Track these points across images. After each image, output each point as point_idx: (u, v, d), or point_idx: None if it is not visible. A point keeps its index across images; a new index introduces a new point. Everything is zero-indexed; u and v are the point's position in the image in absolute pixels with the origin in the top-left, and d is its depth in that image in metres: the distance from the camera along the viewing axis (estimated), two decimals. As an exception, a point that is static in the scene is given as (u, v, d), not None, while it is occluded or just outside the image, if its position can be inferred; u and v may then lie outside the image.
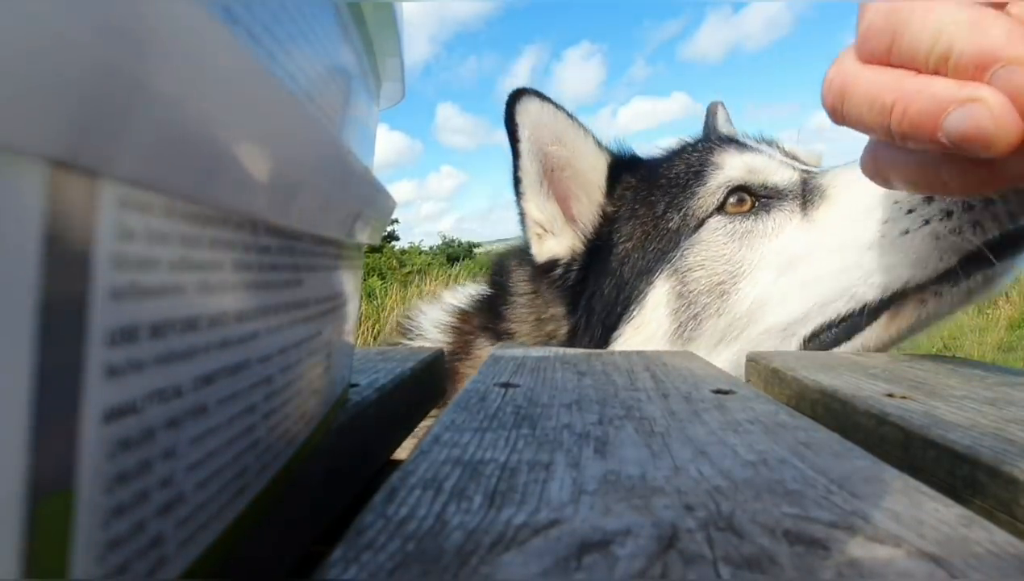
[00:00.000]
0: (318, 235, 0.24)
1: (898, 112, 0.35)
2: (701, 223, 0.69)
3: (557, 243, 0.79)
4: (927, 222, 0.55)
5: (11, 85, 0.08)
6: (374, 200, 0.29)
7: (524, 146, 0.76)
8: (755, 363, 0.54)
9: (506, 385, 0.38)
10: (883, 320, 0.60)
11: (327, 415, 0.29)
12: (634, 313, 0.70)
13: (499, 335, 0.82)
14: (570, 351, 0.56)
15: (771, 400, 0.34)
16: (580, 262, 0.78)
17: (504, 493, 0.20)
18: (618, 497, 0.20)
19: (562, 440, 0.26)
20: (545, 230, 0.79)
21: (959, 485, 0.27)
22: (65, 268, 0.10)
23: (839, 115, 0.40)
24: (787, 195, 0.68)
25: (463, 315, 0.88)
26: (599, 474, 0.22)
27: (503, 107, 0.81)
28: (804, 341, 0.62)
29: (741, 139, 0.80)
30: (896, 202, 0.57)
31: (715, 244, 0.68)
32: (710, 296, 0.66)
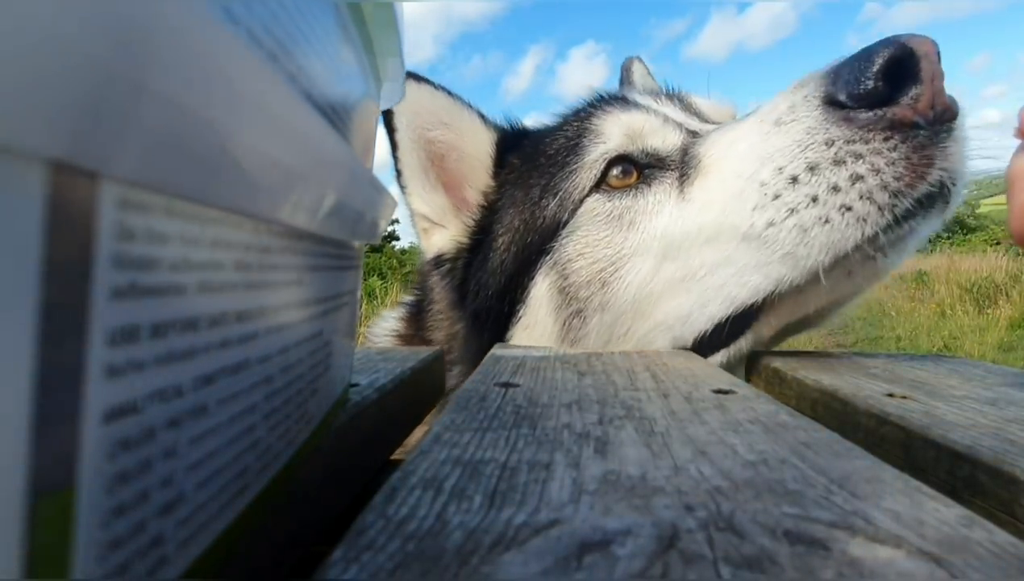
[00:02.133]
0: (318, 235, 0.24)
1: None
2: (578, 205, 0.59)
3: (441, 237, 0.71)
4: (792, 211, 0.46)
5: (11, 85, 0.08)
6: (374, 200, 0.29)
7: (402, 136, 0.69)
8: (756, 362, 0.54)
9: (506, 385, 0.38)
10: (766, 317, 0.52)
11: (327, 415, 0.29)
12: (520, 314, 0.62)
13: (425, 343, 0.76)
14: (570, 351, 0.56)
15: (772, 400, 0.34)
16: (464, 257, 0.70)
17: (504, 493, 0.20)
18: (618, 497, 0.20)
19: (562, 440, 0.26)
20: (433, 223, 0.72)
21: (959, 485, 0.27)
22: (65, 268, 0.10)
23: None
24: (669, 164, 0.58)
25: (408, 321, 0.82)
26: (599, 474, 0.22)
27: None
28: (694, 343, 0.54)
29: (630, 96, 0.69)
30: (762, 184, 0.47)
31: (594, 227, 0.58)
32: (591, 288, 0.56)
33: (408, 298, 0.89)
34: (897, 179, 0.42)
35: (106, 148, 0.10)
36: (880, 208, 0.43)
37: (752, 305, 0.50)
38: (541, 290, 0.61)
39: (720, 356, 0.54)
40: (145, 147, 0.11)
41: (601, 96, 0.71)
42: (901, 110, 0.41)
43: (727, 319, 0.51)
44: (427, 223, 0.72)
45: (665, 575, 0.15)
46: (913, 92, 0.41)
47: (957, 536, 0.17)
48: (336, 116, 0.26)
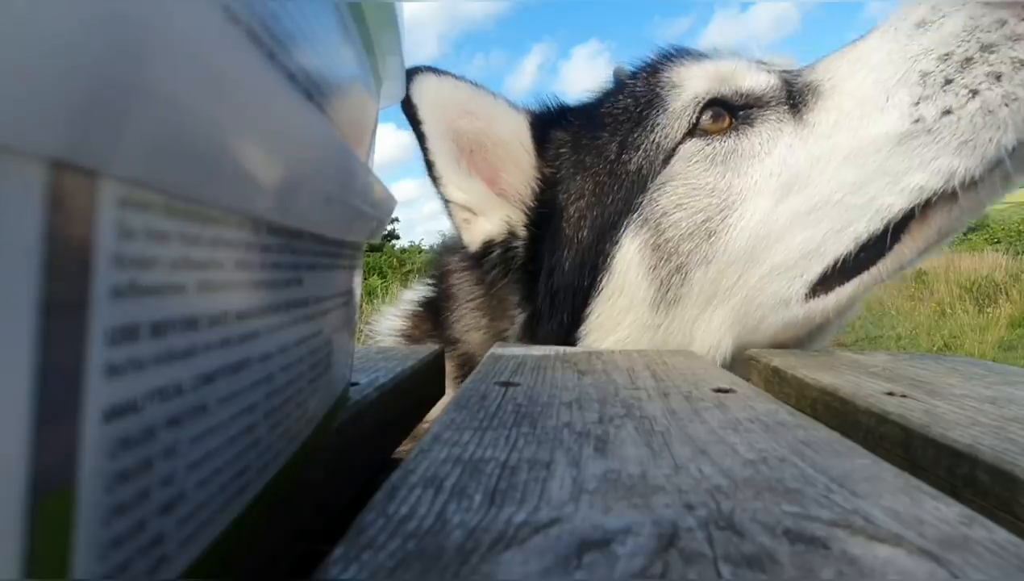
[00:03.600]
0: (318, 234, 0.24)
1: None
2: (671, 154, 0.55)
3: (489, 222, 0.67)
4: (974, 93, 0.43)
5: (11, 85, 0.08)
6: (374, 199, 0.29)
7: (429, 127, 0.66)
8: (756, 362, 0.54)
9: (506, 384, 0.38)
10: (911, 234, 0.48)
11: (328, 414, 0.29)
12: (603, 283, 0.58)
13: (446, 343, 0.72)
14: (571, 350, 0.56)
15: (771, 399, 0.34)
16: (525, 237, 0.66)
17: (504, 492, 0.20)
18: (618, 496, 0.20)
19: (562, 439, 0.26)
20: (473, 213, 0.68)
21: (959, 483, 0.27)
22: (65, 268, 0.10)
23: None
24: (770, 101, 0.55)
25: (416, 320, 0.79)
26: (599, 473, 0.22)
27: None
28: (813, 283, 0.51)
29: (694, 50, 0.66)
30: (924, 74, 0.45)
31: (693, 175, 0.54)
32: (694, 240, 0.53)
33: (411, 295, 0.84)
34: None
35: (106, 147, 0.10)
36: None
37: (909, 213, 0.46)
38: (630, 252, 0.57)
39: (853, 285, 0.49)
40: (145, 146, 0.11)
41: (662, 52, 0.67)
42: None
43: (875, 235, 0.47)
44: (467, 213, 0.68)
45: (665, 574, 0.15)
46: None
47: (957, 535, 0.17)
48: (336, 115, 0.26)
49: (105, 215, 0.11)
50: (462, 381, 0.70)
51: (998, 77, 0.42)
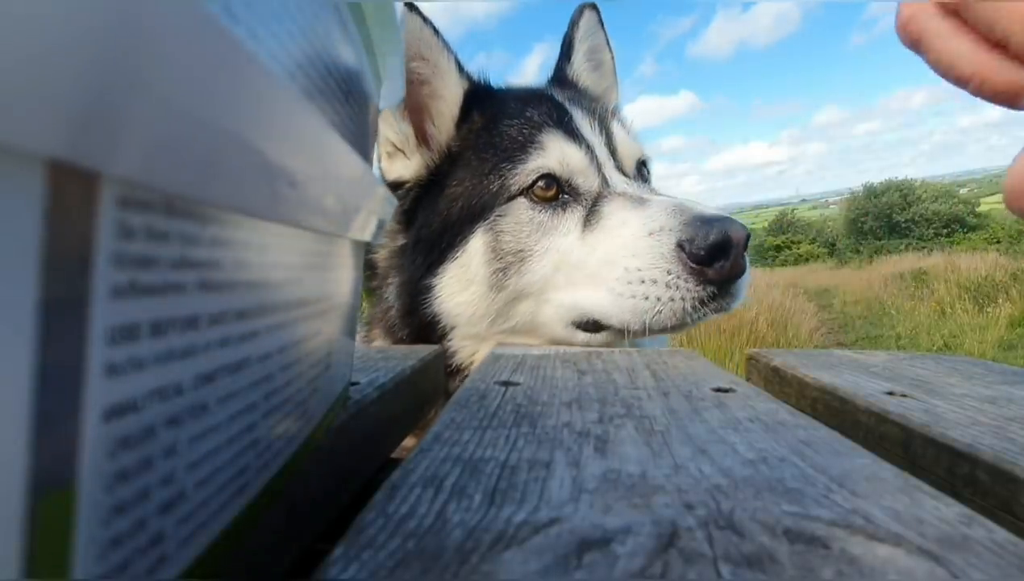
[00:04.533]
0: (318, 234, 0.24)
1: (975, 85, 0.37)
2: (513, 197, 0.80)
3: (405, 166, 0.84)
4: (633, 297, 0.71)
5: (11, 84, 0.08)
6: (374, 199, 0.29)
7: None
8: (756, 361, 0.54)
9: (506, 383, 0.38)
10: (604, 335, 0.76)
11: (328, 413, 0.29)
12: (458, 253, 0.80)
13: (384, 314, 0.88)
14: (571, 349, 0.56)
15: (771, 398, 0.34)
16: (417, 189, 0.85)
17: (504, 491, 0.20)
18: (618, 495, 0.20)
19: (562, 438, 0.26)
20: (396, 149, 0.84)
21: (959, 483, 0.27)
22: (65, 267, 0.10)
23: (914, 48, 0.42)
24: (582, 201, 0.80)
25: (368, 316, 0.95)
26: (599, 472, 0.22)
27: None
28: (568, 322, 0.77)
29: (576, 118, 0.87)
30: (627, 270, 0.72)
31: (518, 221, 0.80)
32: (515, 257, 0.79)
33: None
34: (693, 308, 0.68)
35: (106, 147, 0.10)
36: (675, 318, 0.69)
37: (600, 322, 0.74)
38: (479, 242, 0.80)
39: (583, 336, 0.77)
40: (145, 146, 0.11)
41: (558, 104, 0.88)
42: (711, 272, 0.68)
43: (584, 319, 0.76)
44: (391, 148, 0.85)
45: (665, 573, 0.15)
46: (721, 264, 0.67)
47: (957, 534, 0.17)
48: (336, 114, 0.26)
49: (105, 215, 0.11)
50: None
51: (646, 298, 0.69)
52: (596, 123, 0.90)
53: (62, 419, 0.11)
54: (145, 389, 0.13)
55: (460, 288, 0.81)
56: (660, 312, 0.70)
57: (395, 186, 0.85)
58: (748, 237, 0.70)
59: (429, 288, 0.81)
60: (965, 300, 6.17)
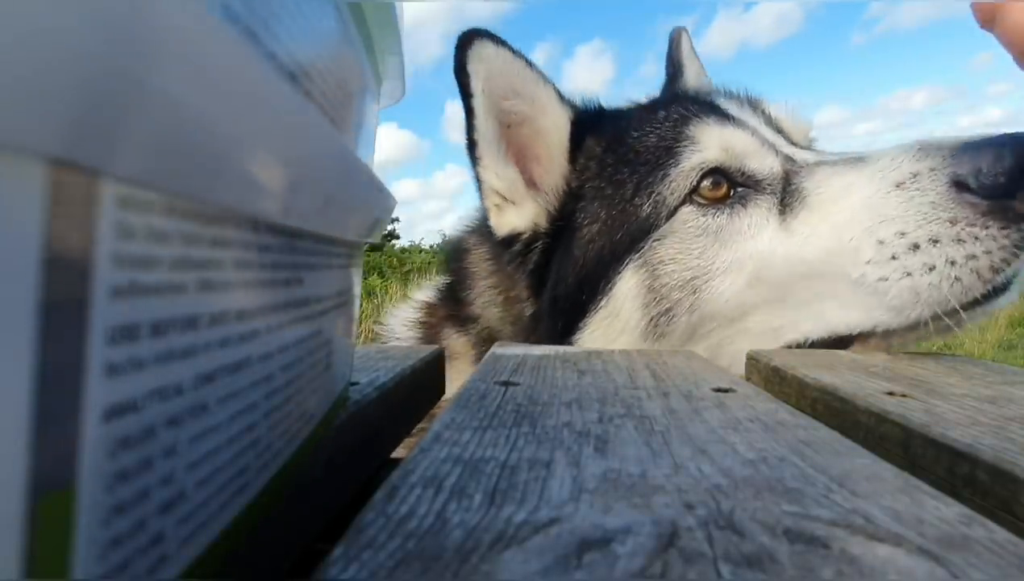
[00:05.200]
0: (318, 233, 0.24)
1: None
2: (673, 212, 0.63)
3: (517, 215, 0.71)
4: (908, 274, 0.52)
5: (10, 84, 0.08)
6: (374, 199, 0.29)
7: (478, 101, 0.66)
8: (755, 361, 0.54)
9: (506, 383, 0.38)
10: (853, 347, 0.58)
11: (328, 413, 0.29)
12: (601, 304, 0.65)
13: (464, 322, 0.76)
14: (571, 349, 0.56)
15: (771, 398, 0.34)
16: (543, 241, 0.70)
17: (504, 491, 0.20)
18: (618, 495, 0.20)
19: (562, 438, 0.26)
20: (505, 200, 0.71)
21: (959, 483, 0.27)
22: (65, 267, 0.10)
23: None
24: (766, 188, 0.62)
25: (430, 309, 0.83)
26: (599, 472, 0.22)
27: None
28: (785, 345, 0.60)
29: (723, 105, 0.70)
30: (880, 242, 0.53)
31: (688, 237, 0.62)
32: (683, 291, 0.61)
33: (421, 294, 0.87)
34: (1003, 261, 0.49)
35: (106, 146, 0.10)
36: (984, 282, 0.49)
37: (847, 336, 0.56)
38: (629, 285, 0.63)
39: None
40: (145, 145, 0.11)
41: (693, 98, 0.72)
42: (1019, 205, 0.48)
43: (821, 340, 0.57)
44: (499, 199, 0.71)
45: (665, 573, 0.15)
46: None
47: (957, 534, 0.17)
48: (336, 115, 0.26)
49: (105, 215, 0.11)
50: (481, 356, 0.75)
51: (931, 269, 0.51)
52: (747, 106, 0.72)
53: (62, 419, 0.11)
54: (145, 389, 0.13)
55: (607, 343, 0.64)
56: (958, 280, 0.49)
57: (511, 242, 0.71)
58: None
59: (570, 345, 0.64)
60: (965, 300, 6.16)
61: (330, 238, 0.26)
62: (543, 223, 0.70)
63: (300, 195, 0.19)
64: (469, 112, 0.67)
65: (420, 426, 0.50)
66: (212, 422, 0.16)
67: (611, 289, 0.64)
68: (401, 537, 0.17)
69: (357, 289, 0.35)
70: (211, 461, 0.16)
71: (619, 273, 0.64)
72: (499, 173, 0.70)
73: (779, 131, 0.70)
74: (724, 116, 0.67)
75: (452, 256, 0.85)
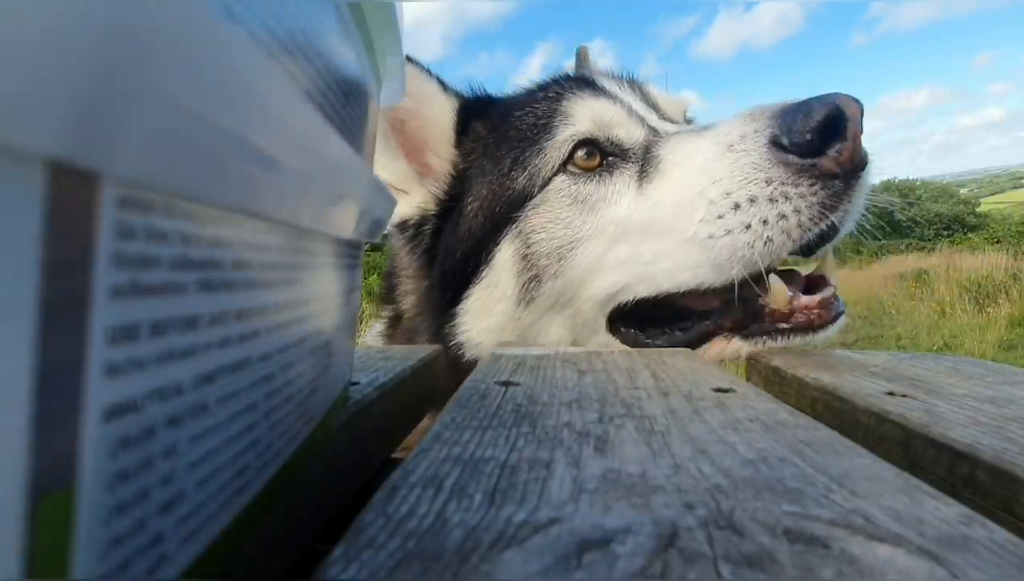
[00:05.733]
0: (318, 233, 0.24)
1: None
2: (546, 182, 0.66)
3: (406, 203, 0.75)
4: (728, 232, 0.55)
5: (11, 84, 0.08)
6: (375, 199, 0.29)
7: None
8: (755, 361, 0.54)
9: (506, 383, 0.38)
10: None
11: (328, 413, 0.29)
12: (483, 274, 0.68)
13: (398, 316, 0.81)
14: (571, 350, 0.56)
15: (771, 398, 0.34)
16: (432, 222, 0.75)
17: (504, 491, 0.20)
18: (618, 495, 0.20)
19: (562, 438, 0.26)
20: (396, 189, 0.75)
21: (959, 483, 0.27)
22: (65, 267, 0.10)
23: None
24: (630, 157, 0.65)
25: (391, 320, 0.86)
26: (599, 472, 0.22)
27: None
28: (610, 315, 0.63)
29: (598, 81, 0.74)
30: (711, 202, 0.56)
31: (558, 206, 0.65)
32: (550, 259, 0.65)
33: (386, 313, 0.92)
34: (811, 220, 0.52)
35: (106, 147, 0.10)
36: (792, 241, 0.53)
37: (668, 294, 0.59)
38: (506, 255, 0.67)
39: (604, 338, 0.64)
40: (145, 146, 0.11)
41: (570, 77, 0.76)
42: (827, 162, 0.51)
43: (648, 299, 0.61)
44: (392, 191, 0.75)
45: (665, 573, 0.15)
46: (838, 147, 0.51)
47: (956, 534, 0.17)
48: (336, 115, 0.26)
49: (105, 214, 0.11)
50: (391, 337, 0.82)
51: (747, 227, 0.54)
52: (626, 85, 0.75)
53: (62, 419, 0.11)
54: (145, 389, 0.13)
55: (485, 311, 0.68)
56: (770, 239, 0.52)
57: (403, 228, 0.76)
58: (863, 110, 0.51)
59: (452, 318, 0.69)
60: (965, 300, 6.17)
61: (330, 238, 0.26)
62: (431, 206, 0.75)
63: (300, 195, 0.19)
64: None
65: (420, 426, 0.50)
66: (212, 422, 0.16)
67: (491, 259, 0.68)
68: (401, 537, 0.17)
69: (357, 289, 0.35)
70: (211, 461, 0.16)
71: (498, 244, 0.68)
72: (388, 167, 0.74)
73: (654, 108, 0.74)
74: (598, 90, 0.70)
75: (390, 262, 0.90)
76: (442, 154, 0.76)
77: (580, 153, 0.65)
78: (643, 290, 0.60)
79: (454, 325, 0.69)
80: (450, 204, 0.74)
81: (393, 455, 0.43)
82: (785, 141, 0.52)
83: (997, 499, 0.25)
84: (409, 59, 0.70)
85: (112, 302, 0.12)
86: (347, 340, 0.33)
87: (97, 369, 0.11)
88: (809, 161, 0.51)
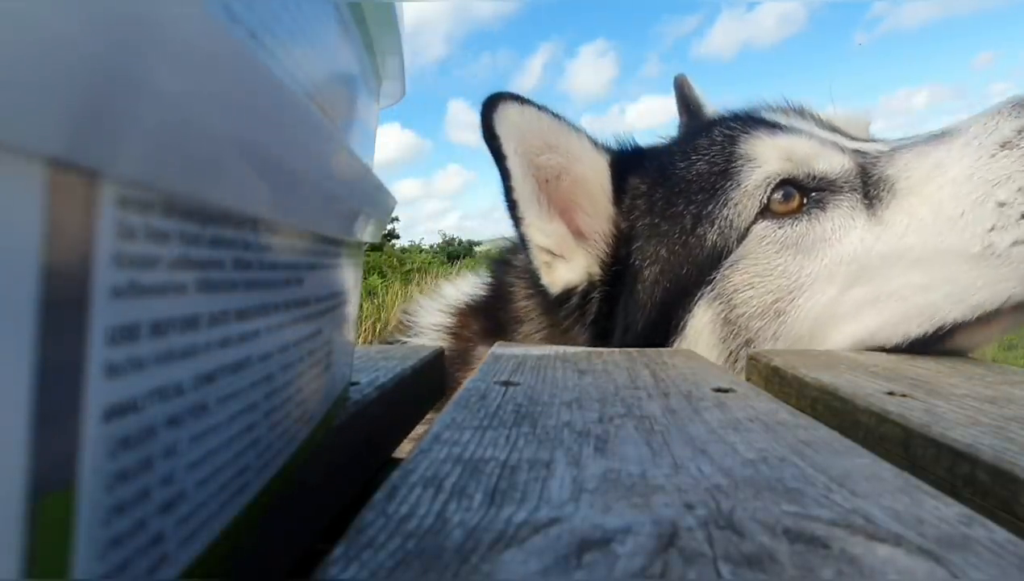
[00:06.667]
0: (318, 233, 0.24)
1: None
2: (744, 234, 0.58)
3: (569, 269, 0.68)
4: None
5: (10, 84, 0.08)
6: (374, 198, 0.29)
7: (513, 162, 0.65)
8: (755, 361, 0.54)
9: (506, 383, 0.38)
10: (955, 334, 0.52)
11: (328, 413, 0.29)
12: (674, 346, 0.61)
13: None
14: (571, 349, 0.56)
15: (771, 398, 0.34)
16: (600, 289, 0.67)
17: (504, 491, 0.20)
18: (618, 495, 0.20)
19: (562, 438, 0.26)
20: (554, 255, 0.68)
21: (959, 483, 0.27)
22: (65, 267, 0.10)
23: None
24: (843, 187, 0.58)
25: (462, 317, 0.79)
26: (599, 472, 0.22)
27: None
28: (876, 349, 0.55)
29: (768, 117, 0.67)
30: (1001, 205, 0.48)
31: (765, 257, 0.57)
32: (764, 318, 0.57)
33: (453, 291, 0.83)
34: None
35: (106, 147, 0.10)
36: None
37: (956, 324, 0.51)
38: (702, 322, 0.60)
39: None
40: (145, 146, 0.11)
41: (734, 117, 0.69)
42: None
43: (921, 338, 0.52)
44: (548, 256, 0.68)
45: (665, 573, 0.15)
46: None
47: (957, 534, 0.17)
48: (337, 115, 0.26)
49: (105, 214, 0.11)
50: None
51: None
52: (794, 114, 0.68)
53: (62, 419, 0.11)
54: (145, 389, 0.13)
55: None
56: None
57: (567, 297, 0.67)
58: None
59: None
60: (965, 300, 6.15)
61: (330, 238, 0.26)
62: (597, 271, 0.67)
63: (300, 195, 0.19)
64: (505, 175, 0.65)
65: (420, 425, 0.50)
66: (212, 422, 0.16)
67: (683, 328, 0.60)
68: (401, 537, 0.17)
69: (357, 289, 0.35)
70: (211, 461, 0.16)
71: (690, 310, 0.60)
72: (544, 229, 0.67)
73: (835, 130, 0.66)
74: (773, 126, 0.64)
75: (495, 286, 0.80)
76: (599, 214, 0.68)
77: (777, 196, 0.58)
78: (914, 328, 0.52)
79: None
80: (617, 268, 0.66)
81: (393, 455, 0.43)
82: None
83: (997, 499, 0.25)
84: (553, 114, 0.66)
85: (112, 302, 0.12)
86: (347, 340, 0.33)
87: (97, 369, 0.11)
88: None
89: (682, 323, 0.60)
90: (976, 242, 0.49)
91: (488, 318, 0.77)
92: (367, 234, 0.31)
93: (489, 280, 0.83)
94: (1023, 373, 0.45)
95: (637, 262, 0.65)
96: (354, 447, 0.34)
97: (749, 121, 0.66)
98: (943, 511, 0.19)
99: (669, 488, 0.20)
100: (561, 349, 0.56)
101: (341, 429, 0.31)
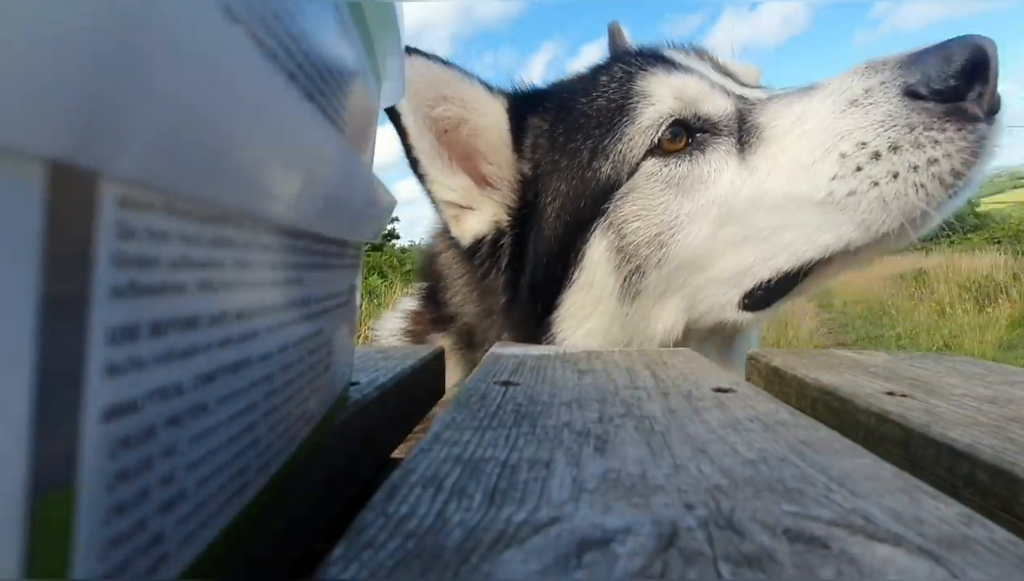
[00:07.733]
0: (318, 234, 0.24)
1: None
2: (635, 169, 0.61)
3: (477, 220, 0.69)
4: (875, 184, 0.52)
5: (11, 84, 0.08)
6: (374, 199, 0.29)
7: (408, 119, 0.64)
8: (755, 361, 0.54)
9: (506, 383, 0.38)
10: (816, 271, 0.58)
11: (328, 413, 0.29)
12: (575, 275, 0.64)
13: (446, 322, 0.76)
14: (571, 349, 0.56)
15: (771, 398, 0.34)
16: (510, 234, 0.69)
17: (504, 491, 0.20)
18: (618, 495, 0.20)
19: (562, 438, 0.26)
20: (461, 207, 0.69)
21: (959, 483, 0.27)
22: (65, 267, 0.10)
23: None
24: (722, 130, 0.61)
25: (415, 316, 0.83)
26: (599, 472, 0.22)
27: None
28: (746, 293, 0.60)
29: (667, 54, 0.68)
30: (843, 156, 0.53)
31: (650, 193, 0.61)
32: (650, 247, 0.61)
33: (409, 302, 0.88)
34: (963, 164, 0.49)
35: (106, 147, 0.10)
36: (945, 187, 0.50)
37: (816, 261, 0.56)
38: (599, 251, 0.63)
39: (769, 312, 0.60)
40: (145, 146, 0.11)
41: (635, 52, 0.71)
42: (971, 106, 0.48)
43: (793, 271, 0.57)
44: (455, 209, 0.69)
45: (665, 573, 0.15)
46: (979, 89, 0.48)
47: (956, 534, 0.17)
48: (336, 115, 0.26)
49: (105, 215, 0.11)
50: (465, 353, 0.76)
51: (895, 176, 0.51)
52: (694, 55, 0.71)
53: (62, 419, 0.11)
54: (145, 389, 0.13)
55: (584, 314, 0.63)
56: (922, 187, 0.49)
57: (478, 247, 0.69)
58: (997, 52, 0.49)
59: (548, 328, 0.64)
60: (965, 300, 6.17)
61: (330, 238, 0.26)
62: (504, 217, 0.69)
63: (301, 195, 0.19)
64: (402, 133, 0.65)
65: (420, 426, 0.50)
66: (212, 422, 0.16)
67: (582, 258, 0.64)
68: (401, 537, 0.17)
69: (358, 289, 0.35)
70: (211, 461, 0.16)
71: (587, 241, 0.63)
72: (448, 184, 0.68)
73: (728, 75, 0.69)
74: (670, 64, 0.66)
75: (426, 262, 0.84)
76: (501, 161, 0.69)
77: (667, 135, 0.61)
78: (782, 263, 0.56)
79: (551, 335, 0.64)
80: (526, 211, 0.68)
81: (393, 455, 0.43)
82: (923, 90, 0.49)
83: (997, 499, 0.25)
84: (444, 62, 0.65)
85: (112, 302, 0.12)
86: (347, 340, 0.33)
87: (97, 369, 0.11)
88: (952, 105, 0.49)
89: (580, 254, 0.64)
90: (821, 190, 0.54)
91: (430, 304, 0.81)
92: (368, 234, 0.31)
93: (424, 273, 0.86)
94: (1022, 373, 0.45)
95: (542, 201, 0.67)
96: (354, 447, 0.34)
97: (649, 58, 0.68)
98: (943, 511, 0.19)
99: (669, 488, 0.20)
100: (561, 349, 0.56)
101: (341, 429, 0.31)
